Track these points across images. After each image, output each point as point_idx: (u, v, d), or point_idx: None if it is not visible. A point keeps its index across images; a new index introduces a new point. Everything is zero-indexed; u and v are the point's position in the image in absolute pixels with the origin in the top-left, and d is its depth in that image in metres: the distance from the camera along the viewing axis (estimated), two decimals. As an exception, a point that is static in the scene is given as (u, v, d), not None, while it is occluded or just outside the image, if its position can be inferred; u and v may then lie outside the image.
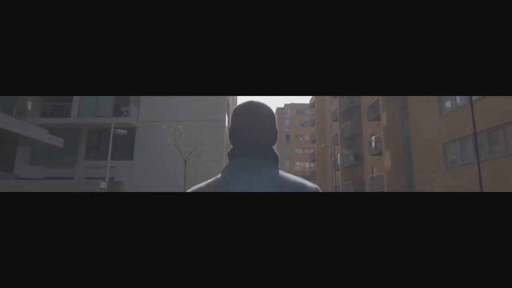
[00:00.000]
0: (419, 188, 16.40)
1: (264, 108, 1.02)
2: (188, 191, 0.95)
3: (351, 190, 25.12)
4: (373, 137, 22.25)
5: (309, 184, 0.93)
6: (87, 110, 17.13)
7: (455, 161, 13.94)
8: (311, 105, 43.52)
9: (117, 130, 13.67)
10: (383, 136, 19.80)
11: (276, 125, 1.03)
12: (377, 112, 21.04)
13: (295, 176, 0.95)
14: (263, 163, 0.95)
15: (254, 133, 0.97)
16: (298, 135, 60.30)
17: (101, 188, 6.95)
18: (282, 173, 0.94)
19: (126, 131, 14.43)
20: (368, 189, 23.39)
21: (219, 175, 0.96)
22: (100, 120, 16.23)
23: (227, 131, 18.51)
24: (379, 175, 21.12)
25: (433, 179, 15.06)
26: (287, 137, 60.68)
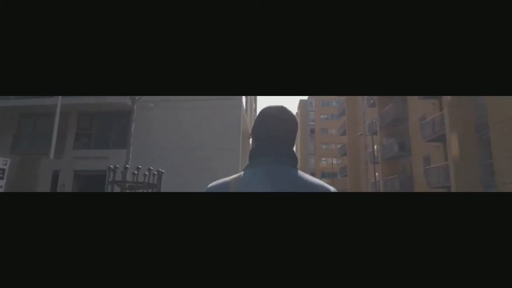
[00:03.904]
0: (502, 180, 12.38)
1: (287, 110, 1.08)
2: (208, 186, 1.01)
3: (396, 187, 20.84)
4: (428, 118, 17.94)
5: (328, 186, 0.99)
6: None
7: None
8: (340, 93, 39.21)
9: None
10: (447, 115, 15.54)
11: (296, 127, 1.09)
12: (433, 87, 16.69)
13: (314, 178, 1.00)
14: (285, 163, 1.00)
15: (278, 134, 1.03)
16: (323, 128, 55.82)
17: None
18: (301, 173, 1.00)
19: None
20: (420, 186, 19.06)
21: (242, 173, 1.01)
22: (86, 100, 13.21)
23: (244, 114, 15.15)
24: (438, 166, 16.80)
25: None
26: (312, 131, 56.32)
